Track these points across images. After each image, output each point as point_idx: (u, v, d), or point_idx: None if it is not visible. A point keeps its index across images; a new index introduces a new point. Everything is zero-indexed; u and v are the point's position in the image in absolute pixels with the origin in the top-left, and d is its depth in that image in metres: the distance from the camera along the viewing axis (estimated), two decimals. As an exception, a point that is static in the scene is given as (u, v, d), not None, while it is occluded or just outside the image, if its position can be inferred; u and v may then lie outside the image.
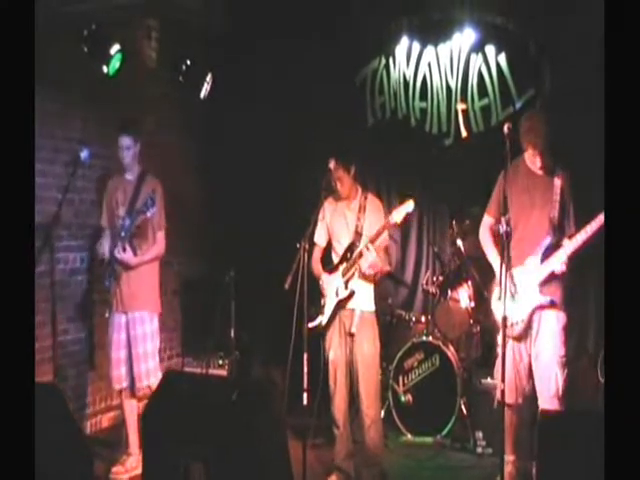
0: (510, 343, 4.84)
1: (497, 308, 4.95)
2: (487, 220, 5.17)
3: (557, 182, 4.84)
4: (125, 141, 5.41)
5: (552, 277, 4.76)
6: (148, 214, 5.20)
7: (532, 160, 4.84)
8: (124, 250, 5.25)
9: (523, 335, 4.77)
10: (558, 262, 4.69)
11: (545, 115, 5.07)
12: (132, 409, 5.50)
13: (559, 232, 4.83)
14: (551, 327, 4.79)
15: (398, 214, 4.90)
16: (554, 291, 4.79)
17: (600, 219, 4.50)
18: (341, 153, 5.18)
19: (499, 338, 4.98)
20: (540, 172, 4.88)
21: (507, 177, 4.73)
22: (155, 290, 5.56)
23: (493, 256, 5.02)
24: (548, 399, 4.77)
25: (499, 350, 4.96)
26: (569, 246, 4.67)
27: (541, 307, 4.78)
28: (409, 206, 4.91)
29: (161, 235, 5.50)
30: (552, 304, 4.76)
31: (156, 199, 5.22)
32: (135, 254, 5.34)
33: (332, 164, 5.01)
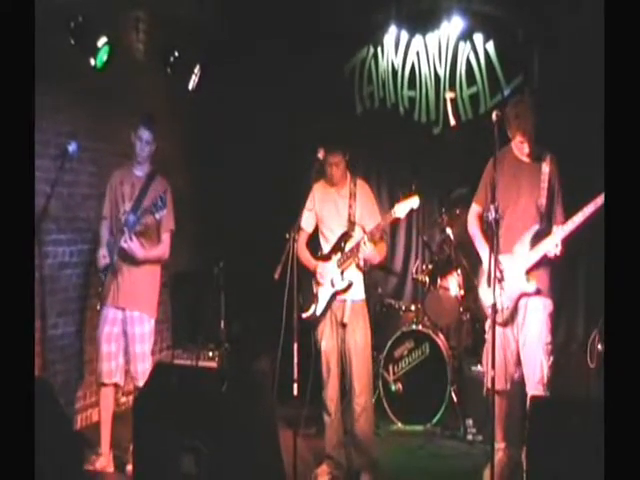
0: (498, 330, 4.88)
1: (485, 295, 4.97)
2: (475, 208, 5.17)
3: (545, 169, 4.84)
4: (145, 134, 5.26)
5: (539, 264, 4.78)
6: (157, 216, 5.04)
7: (519, 147, 4.84)
8: (131, 240, 5.08)
9: (510, 322, 4.79)
10: (546, 249, 4.71)
11: (533, 102, 5.08)
12: (109, 407, 5.36)
13: (547, 219, 4.84)
14: (537, 314, 4.81)
15: (402, 209, 4.86)
16: (541, 278, 4.81)
17: (590, 207, 4.53)
18: (338, 139, 5.17)
19: (487, 325, 5.02)
20: (527, 159, 4.89)
21: (495, 165, 4.75)
22: (155, 295, 5.42)
23: (481, 244, 5.02)
24: (533, 385, 4.79)
25: (487, 337, 5.00)
26: (558, 233, 4.69)
27: (527, 294, 4.79)
28: (414, 202, 4.86)
29: (167, 237, 5.34)
30: (539, 291, 4.79)
31: (166, 200, 5.05)
32: (142, 247, 5.18)
33: (321, 153, 4.98)
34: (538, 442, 3.71)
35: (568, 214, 4.73)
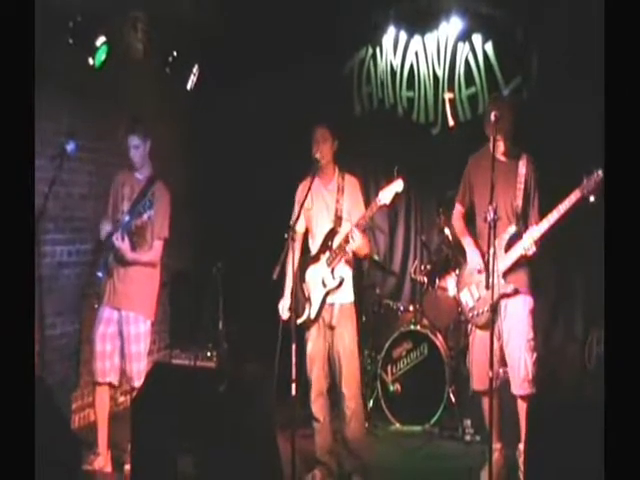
0: (480, 332, 4.90)
1: (465, 297, 5.03)
2: (457, 208, 5.21)
3: (522, 170, 4.83)
4: (133, 140, 5.26)
5: (516, 265, 4.77)
6: (145, 216, 5.03)
7: (496, 146, 4.80)
8: (122, 239, 5.09)
9: (490, 323, 4.76)
10: (522, 250, 4.69)
11: (509, 101, 5.07)
12: (104, 406, 5.36)
13: (523, 220, 4.82)
14: (517, 312, 4.81)
15: (386, 194, 4.74)
16: (518, 279, 4.80)
17: (565, 205, 4.54)
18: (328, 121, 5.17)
19: (469, 328, 5.04)
20: (503, 158, 4.88)
21: (474, 165, 4.77)
22: (152, 296, 5.42)
23: (466, 243, 5.06)
24: (519, 383, 4.78)
25: (471, 339, 5.03)
26: (533, 233, 4.67)
27: (506, 295, 4.79)
28: (398, 185, 4.73)
29: (158, 244, 5.31)
30: (517, 291, 4.79)
31: (154, 202, 5.04)
32: (133, 249, 5.19)
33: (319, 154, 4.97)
34: (536, 443, 3.71)
35: (544, 214, 4.71)
